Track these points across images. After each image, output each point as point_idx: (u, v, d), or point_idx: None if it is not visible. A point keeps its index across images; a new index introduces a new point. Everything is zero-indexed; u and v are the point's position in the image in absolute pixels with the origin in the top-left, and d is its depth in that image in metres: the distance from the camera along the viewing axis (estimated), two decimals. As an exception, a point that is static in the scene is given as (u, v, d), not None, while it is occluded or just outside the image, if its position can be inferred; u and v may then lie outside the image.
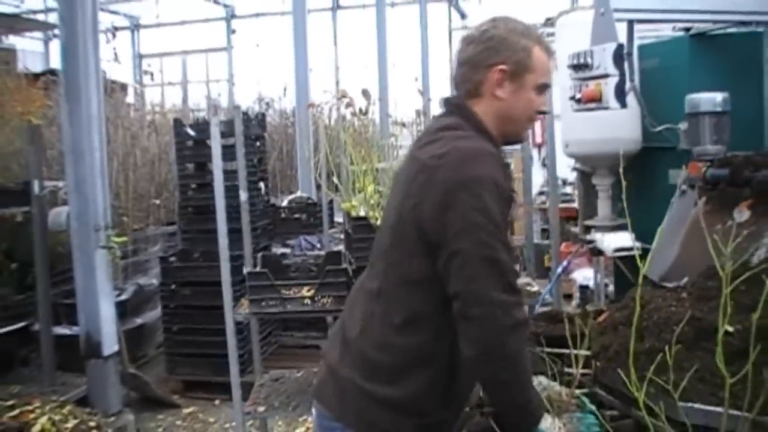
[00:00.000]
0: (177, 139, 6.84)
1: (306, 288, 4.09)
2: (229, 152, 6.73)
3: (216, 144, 3.90)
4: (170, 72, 15.33)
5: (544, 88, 2.21)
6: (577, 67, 2.94)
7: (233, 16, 16.35)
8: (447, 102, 2.29)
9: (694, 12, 3.03)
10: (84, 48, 5.33)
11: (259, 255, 4.54)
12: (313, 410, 2.33)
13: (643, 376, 1.94)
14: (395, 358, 2.09)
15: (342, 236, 8.09)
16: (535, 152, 10.39)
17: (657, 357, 2.01)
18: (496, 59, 2.15)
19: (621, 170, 2.12)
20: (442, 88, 11.69)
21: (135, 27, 16.58)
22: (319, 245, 8.27)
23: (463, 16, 16.28)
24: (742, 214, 2.56)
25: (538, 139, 10.26)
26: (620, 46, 2.79)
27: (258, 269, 4.09)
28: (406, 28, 14.67)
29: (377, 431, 2.11)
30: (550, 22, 9.84)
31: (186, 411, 6.12)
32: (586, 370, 2.55)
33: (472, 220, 1.93)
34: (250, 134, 6.65)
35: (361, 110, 4.05)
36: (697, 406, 1.96)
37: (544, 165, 9.73)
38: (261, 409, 3.94)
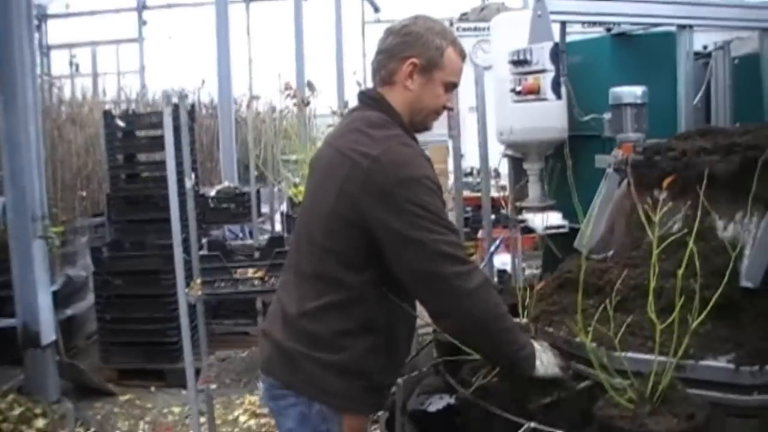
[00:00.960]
0: (107, 131, 6.90)
1: (252, 270, 4.29)
2: (159, 143, 6.87)
3: (168, 133, 4.05)
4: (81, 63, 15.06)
5: (451, 86, 2.44)
6: (517, 63, 3.27)
7: (144, 6, 16.10)
8: (365, 95, 2.49)
9: (617, 15, 3.42)
10: (19, 38, 5.34)
11: (205, 240, 4.72)
12: (261, 385, 2.58)
13: (585, 332, 2.25)
14: (336, 329, 2.31)
15: (268, 226, 8.30)
16: (450, 143, 10.73)
17: (596, 313, 2.32)
18: (409, 52, 2.36)
19: (567, 156, 2.40)
20: (355, 79, 11.96)
21: (42, 17, 16.14)
22: (241, 234, 8.43)
23: (376, 9, 16.54)
24: (662, 192, 2.92)
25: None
26: (556, 45, 3.15)
27: (209, 252, 4.27)
28: (319, 21, 14.80)
29: (326, 395, 2.33)
30: (465, 17, 10.25)
31: (122, 398, 6.22)
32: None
33: (414, 213, 2.16)
34: (178, 124, 6.76)
35: (303, 101, 4.26)
36: (631, 354, 2.27)
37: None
38: (213, 386, 4.14)
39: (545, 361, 2.30)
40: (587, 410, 2.17)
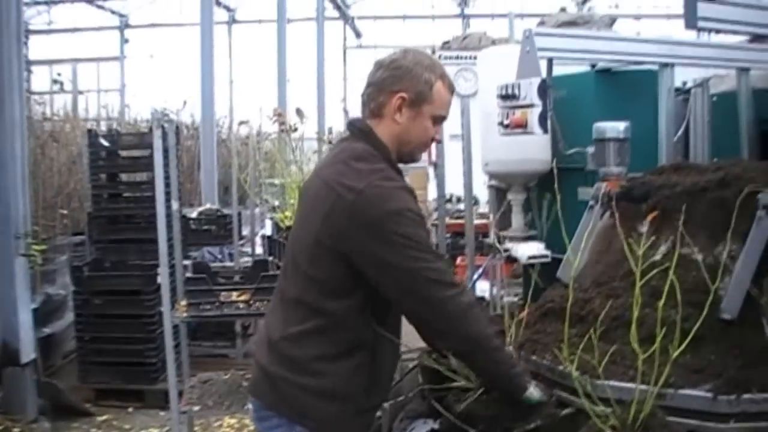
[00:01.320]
0: (90, 150, 6.92)
1: (236, 293, 4.33)
2: (142, 163, 6.91)
3: (158, 155, 4.09)
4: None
5: (440, 119, 2.48)
6: (505, 97, 3.37)
7: (127, 25, 16.17)
8: (353, 125, 2.51)
9: (602, 53, 3.55)
10: (8, 53, 5.36)
11: (190, 262, 4.76)
12: (250, 406, 2.61)
13: (570, 360, 2.33)
14: (316, 354, 2.34)
15: (248, 248, 8.32)
16: (430, 170, 10.85)
17: (580, 342, 2.40)
18: (399, 86, 2.38)
19: (561, 185, 2.47)
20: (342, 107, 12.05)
21: (24, 32, 16.08)
22: (220, 257, 8.44)
23: (358, 35, 16.71)
24: (644, 226, 3.02)
25: (433, 158, 10.73)
26: (543, 81, 3.25)
27: (195, 275, 4.31)
28: (301, 45, 14.89)
29: (306, 419, 2.36)
30: (447, 45, 10.41)
31: (100, 419, 6.18)
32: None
33: (401, 243, 2.23)
34: (166, 146, 6.80)
35: (290, 127, 4.32)
36: (613, 383, 2.34)
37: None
38: (196, 408, 4.15)
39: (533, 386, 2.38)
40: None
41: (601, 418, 2.16)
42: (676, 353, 2.14)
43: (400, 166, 2.50)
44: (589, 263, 3.18)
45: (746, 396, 2.20)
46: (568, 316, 2.35)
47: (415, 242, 2.25)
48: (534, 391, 2.35)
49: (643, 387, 2.19)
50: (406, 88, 2.39)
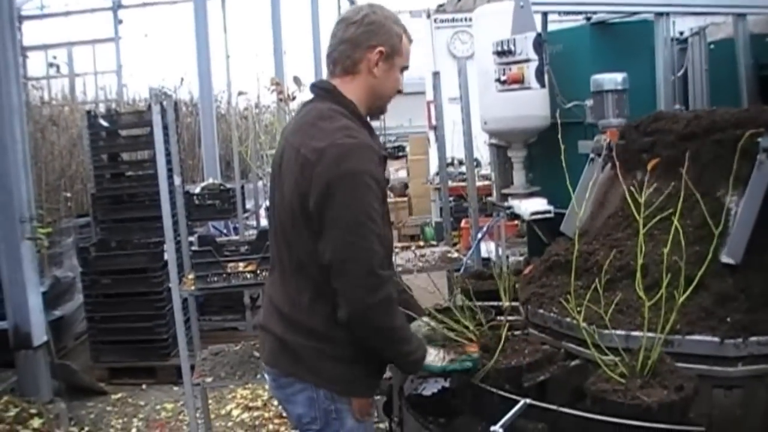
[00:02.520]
0: (90, 131, 6.92)
1: (243, 264, 4.34)
2: (143, 142, 6.91)
3: (158, 131, 4.09)
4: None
5: (405, 69, 2.56)
6: (501, 53, 3.35)
7: (120, 5, 16.02)
8: (316, 87, 2.55)
9: (597, 4, 3.52)
10: (2, 38, 5.35)
11: (196, 236, 4.77)
12: (266, 376, 2.67)
13: (577, 311, 2.34)
14: (330, 320, 2.38)
15: (253, 221, 8.33)
16: (431, 134, 10.84)
17: (586, 294, 2.41)
18: (375, 41, 2.44)
19: (560, 140, 2.46)
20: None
21: (17, 18, 15.99)
22: (225, 231, 8.47)
23: (351, 2, 16.57)
24: (645, 174, 3.01)
25: (433, 122, 10.70)
26: (539, 35, 3.23)
27: (200, 248, 4.31)
28: (296, 15, 14.76)
29: (329, 382, 2.46)
30: (442, 8, 10.32)
31: (114, 397, 6.25)
32: (515, 317, 2.92)
33: (348, 212, 2.27)
34: (165, 123, 6.79)
35: (289, 96, 4.31)
36: (621, 331, 2.35)
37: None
38: (209, 379, 4.17)
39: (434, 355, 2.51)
40: (579, 387, 2.27)
41: (609, 367, 2.18)
42: (681, 299, 2.15)
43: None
44: (591, 215, 3.19)
45: (753, 339, 2.21)
46: (573, 268, 2.36)
47: (361, 214, 2.28)
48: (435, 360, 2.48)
49: (651, 335, 2.20)
50: (382, 42, 2.45)
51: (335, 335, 2.40)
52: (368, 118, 2.57)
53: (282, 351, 2.51)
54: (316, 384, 2.45)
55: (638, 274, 2.22)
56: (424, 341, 2.52)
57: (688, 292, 2.15)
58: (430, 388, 2.93)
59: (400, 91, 2.59)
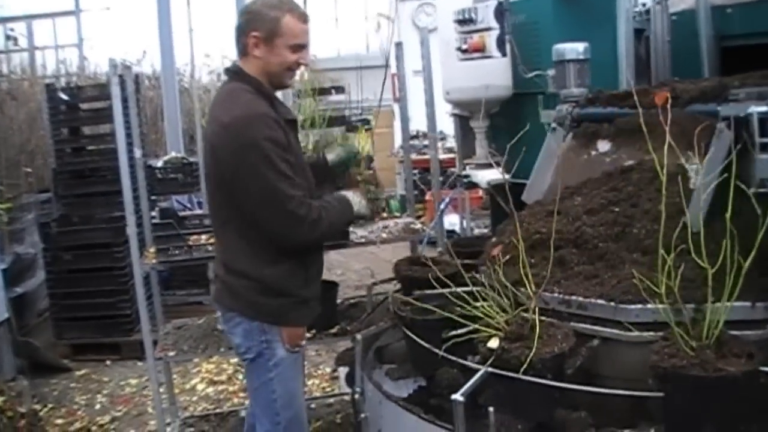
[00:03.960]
0: (50, 105, 6.79)
1: (205, 237, 4.30)
2: (104, 115, 6.79)
3: (117, 103, 4.01)
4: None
5: (298, 47, 2.88)
6: (462, 22, 3.33)
7: (80, -22, 15.68)
8: (228, 70, 3.00)
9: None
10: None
11: (157, 209, 4.71)
12: (218, 313, 3.36)
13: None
14: (256, 262, 2.90)
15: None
16: (396, 107, 10.78)
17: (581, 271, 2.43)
18: (250, 27, 2.85)
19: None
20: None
21: (-28, -9, 15.58)
22: (189, 205, 8.37)
23: (316, -24, 16.41)
24: (604, 145, 3.02)
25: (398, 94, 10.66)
26: (500, 4, 3.22)
27: (161, 221, 4.26)
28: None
29: (262, 314, 2.93)
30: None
31: (78, 374, 6.22)
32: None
33: (256, 166, 2.72)
34: (125, 95, 6.67)
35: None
36: (648, 306, 2.22)
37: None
38: (171, 353, 4.13)
39: (357, 201, 3.18)
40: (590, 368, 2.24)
41: (683, 338, 2.04)
42: (713, 268, 2.03)
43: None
44: (553, 185, 3.19)
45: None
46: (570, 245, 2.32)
47: (268, 166, 2.73)
48: (357, 207, 3.19)
49: (715, 305, 2.05)
50: (257, 27, 2.84)
51: (263, 274, 2.88)
52: (275, 91, 3.00)
53: (224, 290, 3.02)
54: (251, 317, 2.93)
55: (701, 240, 2.05)
56: (343, 199, 3.14)
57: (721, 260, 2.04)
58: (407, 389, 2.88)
59: (302, 64, 2.97)
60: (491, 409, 2.06)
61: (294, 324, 2.99)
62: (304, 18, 2.91)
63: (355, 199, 3.17)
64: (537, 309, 2.30)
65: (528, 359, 2.08)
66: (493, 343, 2.23)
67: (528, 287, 2.35)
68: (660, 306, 2.14)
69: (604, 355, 2.28)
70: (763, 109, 2.27)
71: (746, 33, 3.55)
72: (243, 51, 2.90)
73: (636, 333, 2.19)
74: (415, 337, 2.58)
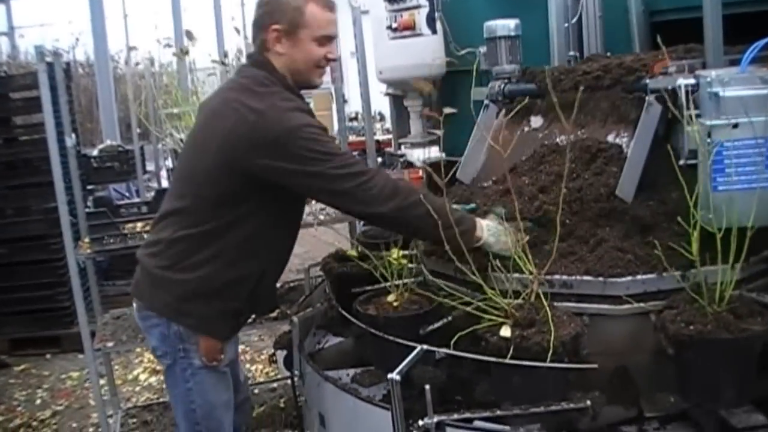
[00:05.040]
0: (-24, 94, 6.58)
1: (141, 224, 4.23)
2: (35, 104, 6.60)
3: (45, 91, 3.90)
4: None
5: (325, 39, 2.54)
6: (392, 0, 3.31)
7: (11, -38, 15.26)
8: (252, 57, 2.64)
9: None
10: None
11: (91, 198, 4.62)
12: (134, 305, 2.73)
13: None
14: (183, 259, 2.52)
15: (155, 183, 8.14)
16: (333, 89, 10.64)
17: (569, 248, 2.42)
18: (270, 20, 2.51)
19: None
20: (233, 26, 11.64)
21: None
22: (127, 194, 8.25)
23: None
24: (536, 121, 3.04)
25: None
26: (429, -19, 3.21)
27: (95, 209, 4.18)
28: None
29: (182, 316, 2.56)
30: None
31: (17, 369, 6.07)
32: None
33: (305, 151, 2.35)
34: (54, 83, 6.51)
35: (182, 50, 4.18)
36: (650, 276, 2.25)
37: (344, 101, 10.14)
38: (110, 344, 4.06)
39: (494, 232, 2.45)
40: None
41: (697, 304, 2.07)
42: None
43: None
44: (487, 162, 3.21)
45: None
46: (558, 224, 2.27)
47: (316, 150, 2.36)
48: (492, 242, 2.43)
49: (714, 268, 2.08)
50: (277, 20, 2.49)
51: (196, 270, 2.51)
52: (300, 90, 2.63)
53: (145, 282, 2.64)
54: (169, 318, 2.57)
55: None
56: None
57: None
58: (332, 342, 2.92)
59: (330, 59, 2.60)
60: (427, 387, 2.06)
61: (215, 336, 2.62)
62: (330, 6, 2.56)
63: (492, 228, 2.48)
64: (542, 293, 2.23)
65: (551, 344, 2.02)
66: (506, 332, 2.11)
67: (527, 271, 2.28)
68: (664, 275, 2.18)
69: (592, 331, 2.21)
70: (690, 81, 2.29)
71: (674, 8, 3.60)
72: (263, 48, 2.56)
73: (632, 305, 2.19)
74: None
